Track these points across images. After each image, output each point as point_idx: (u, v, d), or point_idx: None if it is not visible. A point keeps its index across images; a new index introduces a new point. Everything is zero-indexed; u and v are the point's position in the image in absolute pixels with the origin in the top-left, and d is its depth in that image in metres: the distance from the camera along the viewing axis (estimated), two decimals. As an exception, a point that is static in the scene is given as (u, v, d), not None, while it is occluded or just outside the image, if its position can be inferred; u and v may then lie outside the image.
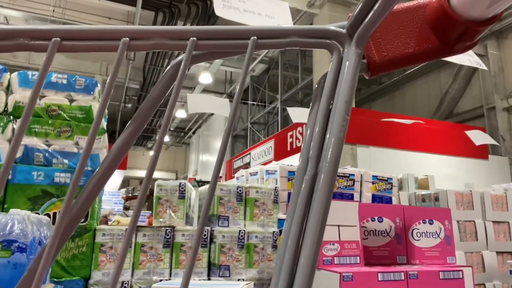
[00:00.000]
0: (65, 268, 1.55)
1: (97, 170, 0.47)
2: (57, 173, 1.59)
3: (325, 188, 0.42)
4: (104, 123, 1.96)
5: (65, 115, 1.69)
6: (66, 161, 1.64)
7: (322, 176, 0.42)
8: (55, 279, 1.52)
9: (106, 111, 2.10)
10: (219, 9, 1.86)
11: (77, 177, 0.40)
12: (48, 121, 1.67)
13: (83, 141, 1.66)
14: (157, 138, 0.43)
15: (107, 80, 0.44)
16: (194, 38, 0.47)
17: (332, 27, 0.50)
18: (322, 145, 0.45)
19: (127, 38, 0.45)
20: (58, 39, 0.44)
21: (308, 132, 0.48)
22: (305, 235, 0.41)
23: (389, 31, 0.54)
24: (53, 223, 1.55)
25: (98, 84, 1.80)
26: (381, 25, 0.49)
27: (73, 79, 1.74)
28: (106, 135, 1.76)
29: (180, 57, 0.49)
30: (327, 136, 0.45)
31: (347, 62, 0.48)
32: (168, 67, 0.50)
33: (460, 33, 0.49)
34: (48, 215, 1.55)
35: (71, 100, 1.72)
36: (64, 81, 1.73)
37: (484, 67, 2.92)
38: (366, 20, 0.48)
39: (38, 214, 1.45)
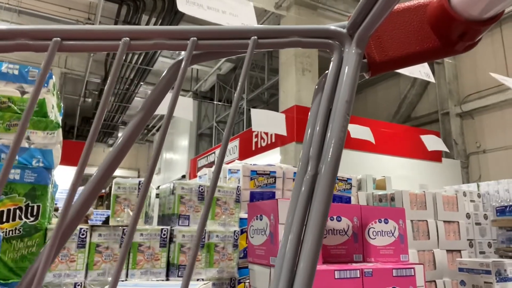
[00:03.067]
0: (13, 270, 1.46)
1: (97, 168, 0.46)
2: (6, 169, 1.50)
3: (325, 188, 0.42)
4: (59, 118, 1.87)
5: (16, 108, 1.60)
6: (16, 156, 1.54)
7: (322, 176, 0.42)
8: (1, 281, 1.44)
9: (62, 104, 2.00)
10: (182, 5, 1.83)
11: (77, 178, 0.40)
12: (-4, 113, 1.56)
13: (35, 135, 1.58)
14: (156, 138, 0.42)
15: (108, 82, 0.44)
16: (195, 38, 0.46)
17: (332, 27, 0.50)
18: (322, 145, 0.45)
19: (128, 38, 0.45)
20: (59, 39, 0.44)
21: (309, 132, 0.48)
22: (305, 234, 0.41)
23: (389, 30, 0.54)
24: (1, 222, 1.46)
25: (53, 76, 1.72)
26: (381, 24, 0.49)
27: (26, 70, 1.65)
28: (60, 130, 1.68)
29: (180, 57, 0.48)
30: (328, 136, 0.45)
31: (348, 62, 0.48)
32: (169, 67, 0.50)
33: (461, 33, 0.49)
34: (-5, 213, 1.46)
35: (23, 92, 1.63)
36: (16, 72, 1.63)
37: (433, 80, 3.03)
38: (367, 20, 0.48)
39: (-17, 212, 1.36)
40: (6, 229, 1.47)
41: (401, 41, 0.53)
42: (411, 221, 2.30)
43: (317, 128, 0.46)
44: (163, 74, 0.50)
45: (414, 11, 0.53)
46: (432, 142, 4.75)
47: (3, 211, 1.48)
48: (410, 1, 0.54)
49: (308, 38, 0.50)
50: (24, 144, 1.57)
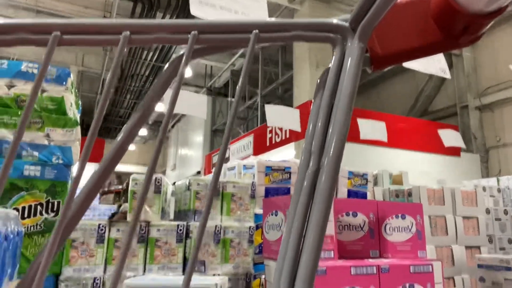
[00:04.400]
0: (35, 264, 1.50)
1: (98, 166, 0.47)
2: (27, 166, 1.54)
3: (328, 183, 0.42)
4: (77, 115, 1.90)
5: (35, 106, 1.63)
6: (36, 153, 1.58)
7: (324, 171, 0.42)
8: (23, 276, 1.48)
9: (80, 102, 2.04)
10: (195, 6, 1.83)
11: (78, 176, 0.40)
12: (17, 112, 1.60)
13: (54, 133, 1.61)
14: (158, 135, 0.42)
15: (108, 76, 0.44)
16: (196, 32, 0.46)
17: (335, 20, 0.50)
18: (325, 140, 0.45)
19: (128, 32, 0.45)
20: (59, 33, 0.43)
21: (311, 127, 0.47)
22: (307, 230, 0.41)
23: (392, 24, 0.53)
24: (22, 217, 1.50)
25: (71, 75, 1.75)
26: (384, 18, 0.49)
27: (44, 69, 1.68)
28: (79, 128, 1.71)
29: (181, 52, 0.48)
30: (330, 131, 0.45)
31: (350, 56, 0.47)
32: (169, 61, 0.50)
33: (465, 26, 0.48)
34: (17, 209, 1.50)
35: (42, 91, 1.66)
36: (35, 71, 1.66)
37: (449, 76, 2.95)
38: (369, 13, 0.47)
39: (6, 208, 1.40)
40: (28, 224, 1.51)
41: (404, 35, 0.53)
42: (429, 216, 2.26)
43: (319, 123, 0.46)
44: (164, 69, 0.50)
45: (417, 5, 0.53)
46: (449, 137, 4.65)
47: (24, 207, 1.52)
48: None
49: (310, 32, 0.49)
50: (44, 141, 1.61)
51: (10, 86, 1.63)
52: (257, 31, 0.47)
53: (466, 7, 0.47)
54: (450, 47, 0.51)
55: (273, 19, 0.50)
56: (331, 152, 0.43)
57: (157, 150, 0.42)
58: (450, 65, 8.76)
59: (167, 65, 0.50)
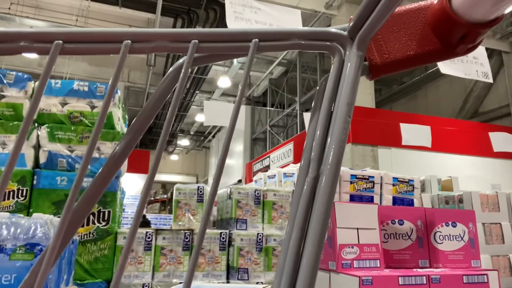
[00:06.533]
0: (88, 271, 1.59)
1: (98, 172, 0.48)
2: (80, 178, 1.64)
3: (327, 190, 0.42)
4: (125, 129, 2.00)
5: (86, 122, 1.74)
6: (88, 166, 1.68)
7: (323, 178, 0.43)
8: (78, 282, 1.56)
9: (127, 116, 2.14)
10: (231, 22, 1.89)
11: (79, 180, 0.40)
12: (70, 127, 1.72)
13: (104, 146, 1.70)
14: (159, 140, 0.43)
15: (109, 82, 0.45)
16: (196, 41, 0.47)
17: (333, 29, 0.50)
18: (324, 147, 0.45)
19: (129, 41, 0.46)
20: (60, 41, 0.44)
21: (310, 134, 0.48)
22: (307, 236, 0.41)
23: (390, 33, 0.54)
24: (76, 226, 1.60)
25: (119, 91, 1.85)
26: (382, 27, 0.50)
27: (94, 86, 1.79)
28: (126, 140, 1.80)
29: (181, 60, 0.49)
30: (329, 138, 0.45)
31: (349, 64, 0.48)
32: (169, 69, 0.50)
33: (462, 35, 0.49)
34: (72, 218, 1.59)
35: (92, 107, 1.77)
36: (86, 88, 1.77)
37: (491, 80, 2.76)
38: (368, 22, 0.48)
39: (62, 217, 1.49)
40: (81, 233, 1.60)
41: (402, 44, 0.53)
42: (483, 224, 2.13)
43: (318, 131, 0.46)
44: (164, 77, 0.50)
45: (415, 14, 0.53)
46: (500, 141, 4.36)
47: (78, 216, 1.61)
48: (411, 3, 0.54)
49: (309, 40, 0.49)
50: (95, 154, 1.71)
51: (63, 104, 1.75)
52: (256, 39, 0.47)
53: (463, 17, 0.47)
54: (447, 56, 0.51)
55: (272, 28, 0.50)
56: (330, 159, 0.43)
57: (157, 159, 0.42)
58: (501, 64, 8.26)
59: (167, 73, 0.50)
